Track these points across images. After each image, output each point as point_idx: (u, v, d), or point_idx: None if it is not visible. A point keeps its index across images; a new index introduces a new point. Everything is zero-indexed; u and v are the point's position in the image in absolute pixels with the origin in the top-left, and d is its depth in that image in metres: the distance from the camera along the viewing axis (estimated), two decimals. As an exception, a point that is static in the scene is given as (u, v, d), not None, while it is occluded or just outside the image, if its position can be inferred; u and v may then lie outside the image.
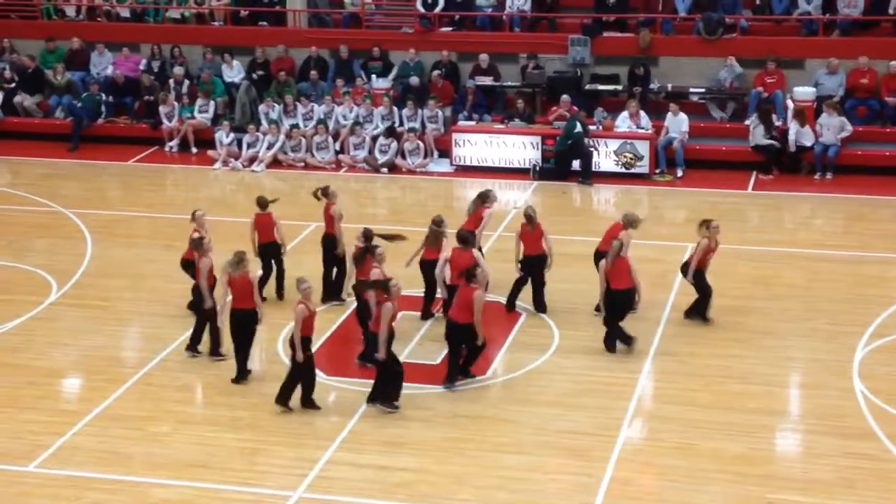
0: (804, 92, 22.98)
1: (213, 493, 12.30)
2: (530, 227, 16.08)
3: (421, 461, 12.82)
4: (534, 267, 16.11)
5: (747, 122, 23.06)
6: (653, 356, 15.17)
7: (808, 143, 22.44)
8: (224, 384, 14.53)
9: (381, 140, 23.42)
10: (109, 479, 12.56)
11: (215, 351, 15.07)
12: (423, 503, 12.08)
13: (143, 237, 19.84)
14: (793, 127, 22.40)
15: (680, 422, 13.53)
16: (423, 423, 13.59)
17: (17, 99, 25.97)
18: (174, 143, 24.67)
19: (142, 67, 26.20)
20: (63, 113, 25.76)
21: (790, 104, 22.84)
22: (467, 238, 15.39)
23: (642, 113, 23.02)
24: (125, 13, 27.45)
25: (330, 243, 16.62)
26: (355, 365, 14.87)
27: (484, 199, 16.83)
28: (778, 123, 22.85)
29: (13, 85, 26.11)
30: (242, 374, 14.48)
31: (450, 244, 15.66)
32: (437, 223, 15.92)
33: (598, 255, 15.73)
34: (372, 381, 13.85)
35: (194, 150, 24.51)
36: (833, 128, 22.26)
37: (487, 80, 24.60)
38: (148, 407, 14.09)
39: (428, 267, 15.77)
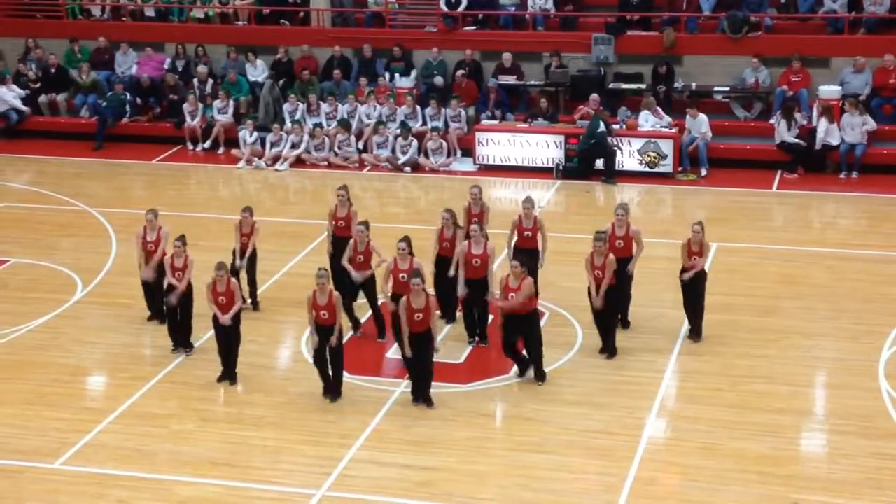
0: (830, 90, 22.85)
1: (237, 491, 12.33)
2: (527, 221, 15.88)
3: (444, 460, 12.82)
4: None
5: (772, 121, 22.97)
6: (677, 355, 15.12)
7: (834, 141, 22.31)
8: (248, 382, 14.57)
9: (400, 140, 23.44)
10: (134, 477, 12.61)
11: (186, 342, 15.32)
12: (447, 502, 12.07)
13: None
14: (822, 124, 22.28)
15: (704, 421, 13.48)
16: (447, 421, 13.58)
17: (43, 98, 26.12)
18: (207, 143, 24.72)
19: (166, 67, 26.31)
20: (88, 112, 25.90)
21: (817, 101, 22.75)
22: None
23: (660, 109, 22.93)
24: (150, 13, 27.57)
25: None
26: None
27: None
28: (803, 122, 22.73)
29: (38, 84, 26.26)
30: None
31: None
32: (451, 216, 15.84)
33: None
34: (395, 381, 13.88)
35: (221, 149, 24.58)
36: (856, 126, 22.13)
37: (510, 79, 24.58)
38: (172, 405, 14.14)
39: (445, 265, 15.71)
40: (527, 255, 15.25)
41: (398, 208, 21.81)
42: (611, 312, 14.97)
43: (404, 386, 14.32)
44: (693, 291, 15.24)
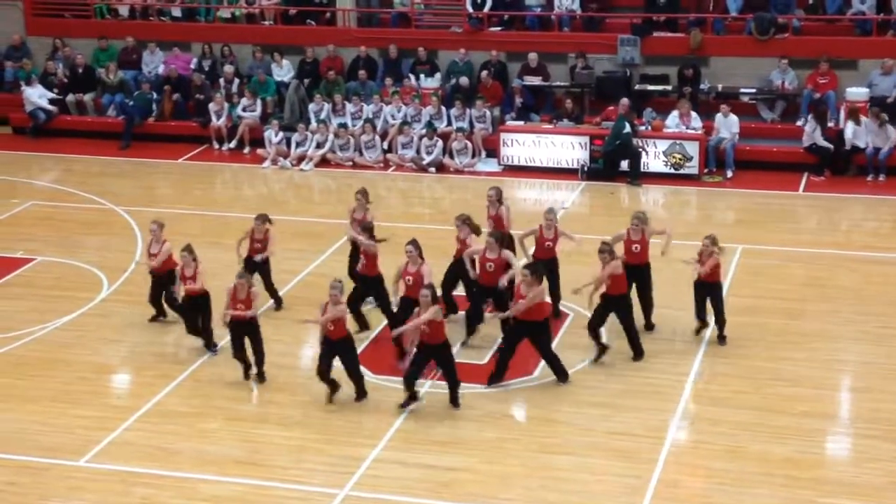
0: (857, 93, 22.73)
1: (261, 490, 12.37)
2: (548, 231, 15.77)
3: (468, 461, 12.82)
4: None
5: (799, 123, 22.85)
6: (702, 358, 15.06)
7: (862, 144, 22.19)
8: (272, 382, 14.60)
9: (425, 141, 23.45)
10: (158, 475, 12.67)
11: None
12: (470, 503, 12.08)
13: (192, 235, 19.82)
14: (849, 126, 22.15)
15: (729, 424, 13.42)
16: (471, 422, 13.58)
17: (70, 98, 26.27)
18: (233, 143, 24.80)
19: (192, 66, 26.42)
20: (115, 111, 26.04)
21: (844, 104, 22.62)
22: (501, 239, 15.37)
23: (693, 114, 22.86)
24: (177, 12, 27.69)
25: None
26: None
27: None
28: (830, 124, 22.61)
29: (66, 82, 26.42)
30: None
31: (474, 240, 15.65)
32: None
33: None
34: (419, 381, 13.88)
35: (247, 149, 24.65)
36: (880, 134, 21.98)
37: (536, 80, 24.55)
38: (197, 403, 14.20)
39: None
40: (546, 266, 15.25)
41: (423, 209, 21.82)
42: (625, 315, 14.90)
43: (428, 386, 14.32)
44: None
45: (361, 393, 14.02)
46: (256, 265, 16.10)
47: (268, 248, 16.29)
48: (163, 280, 15.92)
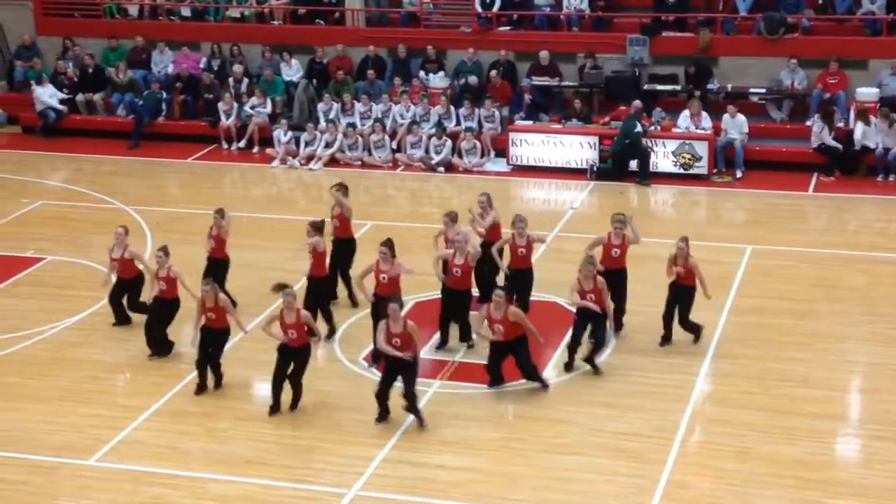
0: (867, 93, 22.68)
1: (270, 490, 12.40)
2: (520, 238, 15.46)
3: (476, 461, 12.83)
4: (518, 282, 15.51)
5: (809, 123, 22.82)
6: (711, 358, 15.05)
7: (871, 144, 22.15)
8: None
9: (434, 140, 23.46)
10: (168, 474, 12.71)
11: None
12: (478, 503, 12.08)
13: (202, 234, 19.93)
14: (859, 127, 22.11)
15: (738, 425, 13.42)
16: (479, 423, 13.60)
17: (80, 98, 26.33)
18: (242, 142, 24.84)
19: (202, 66, 26.46)
20: (124, 111, 26.09)
21: (854, 104, 22.57)
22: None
23: (704, 114, 22.83)
24: (186, 12, 27.74)
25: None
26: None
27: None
28: (840, 124, 22.58)
29: (75, 82, 26.48)
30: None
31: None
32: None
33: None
34: (428, 381, 13.87)
35: (256, 148, 24.68)
36: (890, 135, 21.93)
37: (545, 80, 24.52)
38: (206, 403, 14.22)
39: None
40: (520, 276, 15.28)
41: (431, 208, 21.82)
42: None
43: (437, 386, 14.35)
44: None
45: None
46: (215, 265, 16.14)
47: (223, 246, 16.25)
48: (127, 284, 15.92)
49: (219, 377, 14.48)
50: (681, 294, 15.08)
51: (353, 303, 16.56)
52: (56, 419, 13.89)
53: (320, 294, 15.70)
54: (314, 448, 13.15)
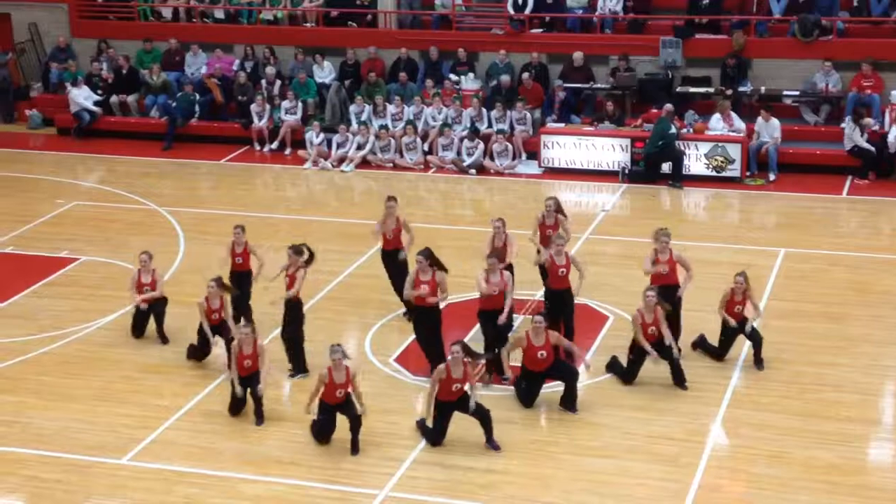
0: (903, 96, 22.53)
1: (302, 490, 12.43)
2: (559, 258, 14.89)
3: (507, 463, 12.82)
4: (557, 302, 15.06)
5: (842, 125, 22.66)
6: (743, 362, 14.97)
7: (906, 147, 21.99)
8: (312, 383, 14.61)
9: (467, 142, 23.47)
10: (200, 474, 12.77)
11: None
12: (510, 505, 12.09)
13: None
14: (893, 129, 21.92)
15: (771, 429, 13.34)
16: (510, 424, 13.57)
17: (114, 99, 26.52)
18: (274, 144, 24.92)
19: (235, 68, 26.59)
20: (158, 112, 26.25)
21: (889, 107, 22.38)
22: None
23: (734, 114, 22.72)
24: (219, 14, 27.89)
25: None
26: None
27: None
28: (875, 127, 22.40)
29: (110, 83, 26.68)
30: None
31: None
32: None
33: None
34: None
35: (288, 150, 24.76)
36: None
37: (577, 83, 24.45)
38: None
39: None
40: (558, 298, 14.93)
41: (463, 210, 21.84)
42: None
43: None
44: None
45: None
46: (240, 278, 15.90)
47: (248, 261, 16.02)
48: (154, 308, 15.91)
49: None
50: (734, 335, 14.85)
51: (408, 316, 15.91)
52: (91, 419, 13.99)
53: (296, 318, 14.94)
54: (345, 449, 13.15)
